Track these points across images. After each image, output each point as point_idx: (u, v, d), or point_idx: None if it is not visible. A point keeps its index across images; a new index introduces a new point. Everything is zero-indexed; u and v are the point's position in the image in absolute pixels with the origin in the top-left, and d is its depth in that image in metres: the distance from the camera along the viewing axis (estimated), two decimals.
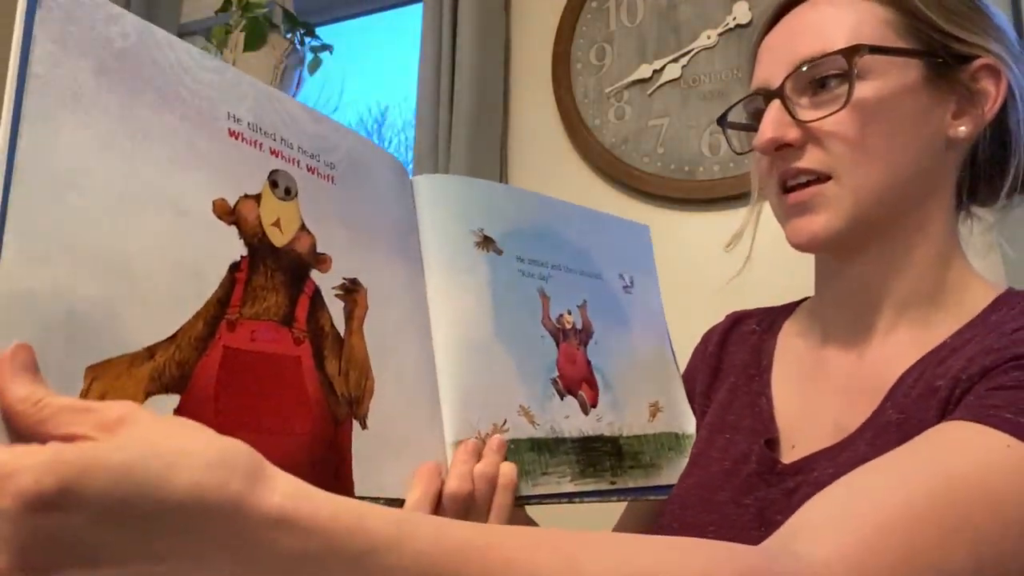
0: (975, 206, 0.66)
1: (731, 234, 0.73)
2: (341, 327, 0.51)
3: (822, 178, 0.59)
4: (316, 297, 0.50)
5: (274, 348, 0.46)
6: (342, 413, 0.49)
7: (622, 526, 0.77)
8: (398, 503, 0.51)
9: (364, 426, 0.50)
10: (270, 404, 0.45)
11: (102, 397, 0.38)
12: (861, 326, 0.64)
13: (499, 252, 0.63)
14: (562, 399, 0.63)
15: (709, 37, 1.46)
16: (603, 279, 0.71)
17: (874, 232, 0.61)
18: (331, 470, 0.47)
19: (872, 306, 0.63)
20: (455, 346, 0.58)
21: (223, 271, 0.45)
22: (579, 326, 0.67)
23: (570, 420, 0.63)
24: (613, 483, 0.63)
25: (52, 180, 0.38)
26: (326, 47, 1.68)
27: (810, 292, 0.74)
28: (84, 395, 0.37)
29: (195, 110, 0.46)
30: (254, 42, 1.56)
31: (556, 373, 0.64)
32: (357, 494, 0.48)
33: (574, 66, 1.56)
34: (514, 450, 0.58)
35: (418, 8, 1.67)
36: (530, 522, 0.63)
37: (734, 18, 1.44)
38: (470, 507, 0.53)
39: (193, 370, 0.42)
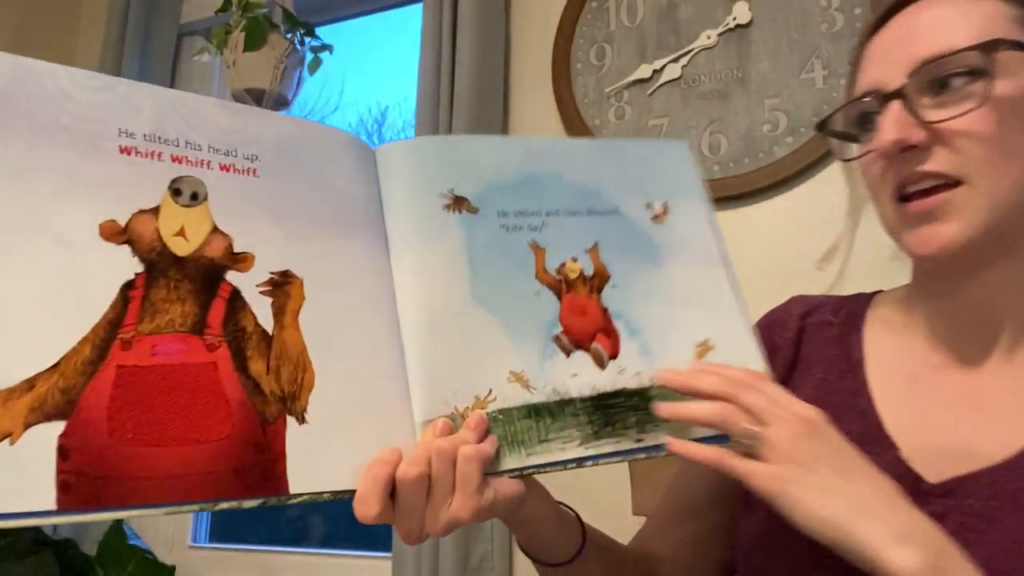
0: None
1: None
2: (269, 324, 0.50)
3: (951, 183, 0.56)
4: (234, 298, 0.49)
5: (180, 359, 0.46)
6: (272, 412, 0.48)
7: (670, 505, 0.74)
8: (348, 494, 0.48)
9: (302, 421, 0.49)
10: (178, 416, 0.45)
11: None
12: (979, 341, 0.61)
13: (474, 211, 0.59)
14: (568, 356, 0.58)
15: (709, 37, 1.45)
16: (620, 213, 0.64)
17: (1005, 242, 0.57)
18: (259, 472, 0.46)
19: (993, 322, 0.60)
20: (423, 320, 0.54)
21: (113, 293, 0.45)
22: (588, 272, 0.61)
23: (579, 378, 0.58)
24: (640, 440, 0.57)
25: None
26: (326, 47, 1.68)
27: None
28: None
29: (80, 135, 0.46)
30: (254, 42, 1.56)
31: (559, 329, 0.59)
32: (293, 491, 0.47)
33: (574, 66, 1.56)
34: (504, 420, 0.54)
35: (418, 8, 1.66)
36: (545, 494, 0.60)
37: (734, 18, 1.43)
38: (428, 490, 0.50)
39: (80, 395, 0.42)
